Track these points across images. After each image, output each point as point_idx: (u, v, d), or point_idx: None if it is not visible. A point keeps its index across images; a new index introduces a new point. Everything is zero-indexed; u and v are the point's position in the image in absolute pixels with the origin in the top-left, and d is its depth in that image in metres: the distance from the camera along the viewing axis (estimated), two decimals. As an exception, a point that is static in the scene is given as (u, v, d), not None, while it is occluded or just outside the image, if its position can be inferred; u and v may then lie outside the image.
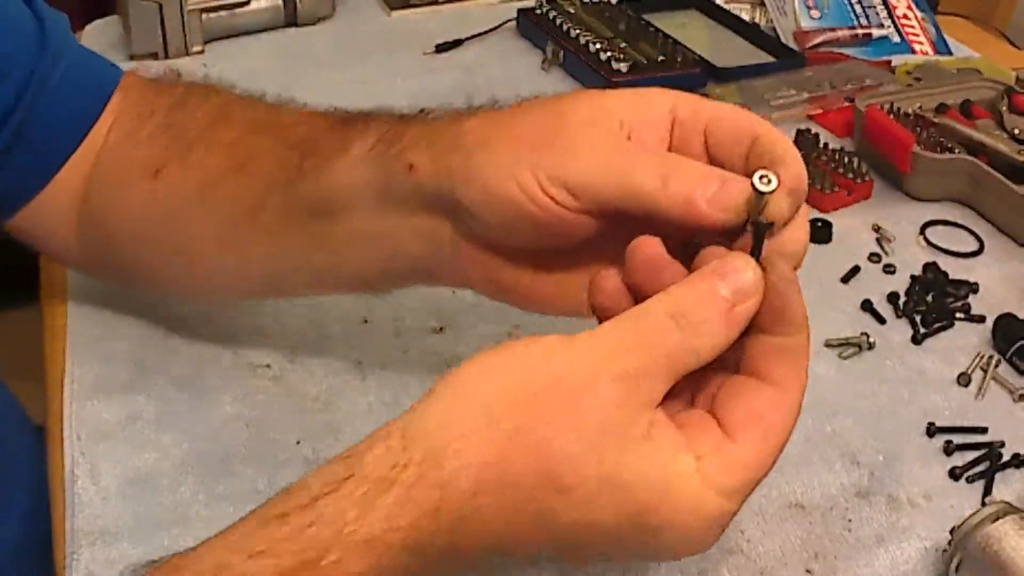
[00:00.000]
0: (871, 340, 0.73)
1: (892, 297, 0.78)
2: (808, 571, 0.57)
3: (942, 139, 0.90)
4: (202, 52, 1.08)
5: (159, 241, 0.63)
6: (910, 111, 0.93)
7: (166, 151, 0.61)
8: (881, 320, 0.76)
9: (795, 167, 0.45)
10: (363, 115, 0.56)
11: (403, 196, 0.52)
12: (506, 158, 0.48)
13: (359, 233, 0.55)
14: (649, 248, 0.44)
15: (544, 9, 1.13)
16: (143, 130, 0.63)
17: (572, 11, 1.12)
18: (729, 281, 0.42)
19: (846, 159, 0.90)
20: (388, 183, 0.52)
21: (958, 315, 0.76)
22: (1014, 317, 0.75)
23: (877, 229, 0.85)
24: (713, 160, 0.48)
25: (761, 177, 0.42)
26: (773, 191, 0.42)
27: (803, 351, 0.43)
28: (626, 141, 0.47)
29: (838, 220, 0.85)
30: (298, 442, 0.63)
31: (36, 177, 0.64)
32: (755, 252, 0.43)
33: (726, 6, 1.20)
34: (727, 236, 0.45)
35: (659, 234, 0.45)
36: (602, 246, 0.49)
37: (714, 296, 0.41)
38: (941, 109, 0.94)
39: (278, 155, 0.57)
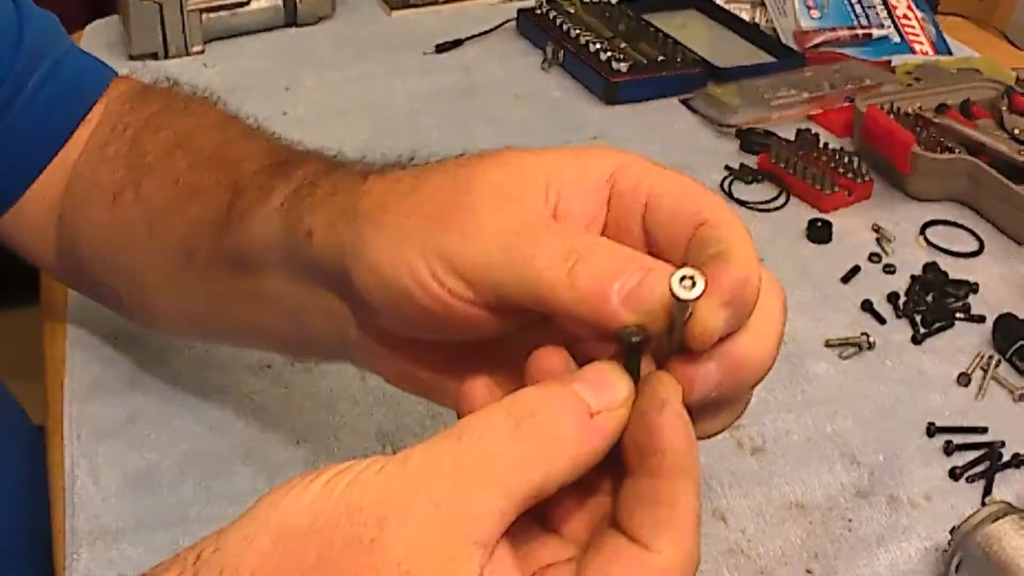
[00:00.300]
0: (871, 340, 0.73)
1: (892, 297, 0.78)
2: (808, 571, 0.57)
3: (942, 139, 0.90)
4: (202, 52, 1.08)
5: (117, 268, 0.60)
6: (910, 111, 0.93)
7: (125, 175, 0.58)
8: (881, 320, 0.76)
9: (740, 269, 0.35)
10: (299, 157, 0.51)
11: (304, 266, 0.46)
12: (397, 235, 0.40)
13: (272, 296, 0.49)
14: (550, 361, 0.37)
15: (544, 9, 1.13)
16: (111, 146, 0.60)
17: (572, 11, 1.12)
18: (591, 387, 0.34)
19: (846, 159, 0.90)
20: (292, 247, 0.46)
21: (958, 315, 0.76)
22: (1014, 317, 0.75)
23: (877, 229, 0.85)
24: (651, 245, 0.39)
25: (683, 279, 0.33)
26: (696, 299, 0.33)
27: (680, 503, 0.33)
28: (538, 217, 0.39)
29: (838, 220, 0.85)
30: (298, 442, 0.63)
31: (13, 184, 0.62)
32: (629, 370, 0.35)
33: (726, 6, 1.20)
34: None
35: (584, 337, 0.38)
36: (529, 341, 0.39)
37: (569, 398, 0.33)
38: (941, 109, 0.94)
39: (214, 195, 0.52)
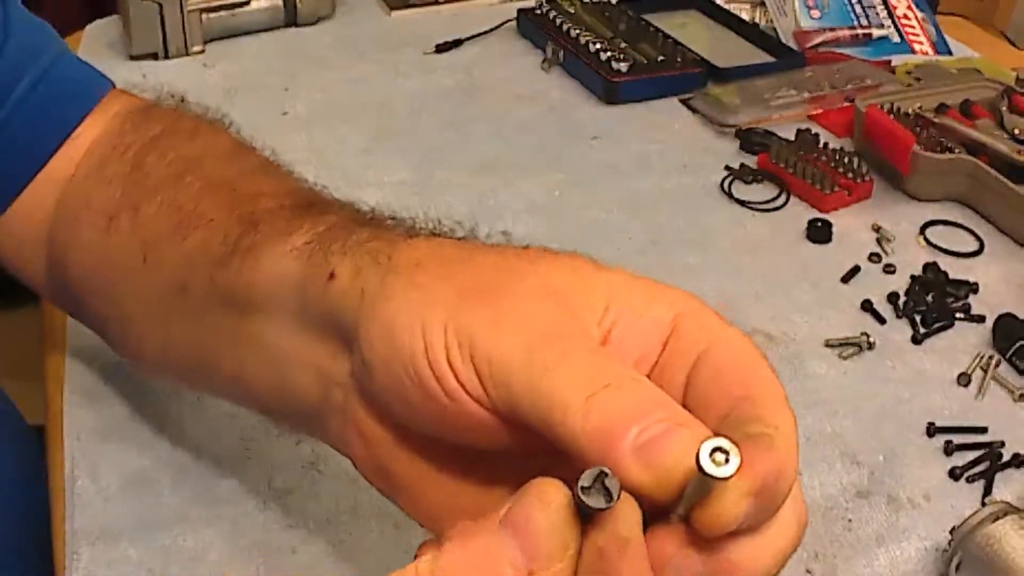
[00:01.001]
0: (871, 340, 0.73)
1: (892, 297, 0.78)
2: (808, 571, 0.57)
3: (942, 139, 0.90)
4: (202, 52, 1.08)
5: (105, 296, 0.56)
6: (910, 111, 0.93)
7: (123, 197, 0.54)
8: (881, 320, 0.76)
9: (780, 457, 0.31)
10: (328, 203, 0.48)
11: (316, 311, 0.41)
12: (424, 297, 0.36)
13: (261, 342, 0.45)
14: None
15: (544, 9, 1.13)
16: (110, 166, 0.56)
17: (572, 11, 1.12)
18: (522, 537, 0.29)
19: (846, 159, 0.90)
20: (306, 289, 0.42)
21: (958, 315, 0.76)
22: (1014, 317, 0.74)
23: (877, 229, 0.85)
24: (688, 403, 0.34)
25: (714, 451, 0.28)
26: (725, 479, 0.28)
27: None
28: (581, 332, 0.34)
29: (838, 220, 0.85)
30: (298, 442, 0.63)
31: None
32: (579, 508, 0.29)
33: (726, 6, 1.20)
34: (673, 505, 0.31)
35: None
36: (539, 470, 0.33)
37: (491, 565, 0.29)
38: (941, 109, 0.94)
39: (221, 226, 0.48)
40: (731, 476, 0.28)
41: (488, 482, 0.37)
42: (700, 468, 0.28)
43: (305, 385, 0.43)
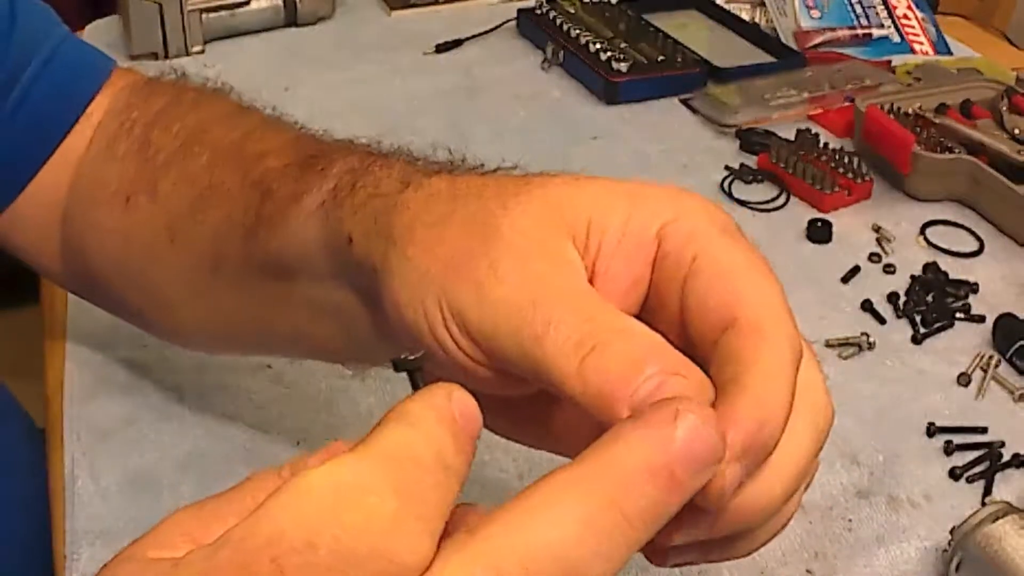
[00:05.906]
0: (871, 340, 0.73)
1: (892, 297, 0.78)
2: (808, 571, 0.57)
3: (942, 139, 0.90)
4: (202, 52, 1.08)
5: (132, 278, 0.56)
6: (910, 111, 0.93)
7: (137, 175, 0.54)
8: (881, 320, 0.76)
9: (756, 409, 0.30)
10: (330, 152, 0.47)
11: (347, 271, 0.42)
12: (418, 274, 0.36)
13: (314, 302, 0.45)
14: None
15: (544, 9, 1.13)
16: (121, 144, 0.56)
17: (572, 11, 1.12)
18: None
19: (846, 159, 0.90)
20: (333, 251, 0.42)
21: (958, 315, 0.76)
22: (1014, 317, 0.74)
23: (877, 229, 0.85)
24: (685, 328, 0.34)
25: None
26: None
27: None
28: (564, 282, 0.33)
29: (838, 220, 0.85)
30: (298, 443, 0.63)
31: (8, 182, 0.59)
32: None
33: (726, 6, 1.20)
34: None
35: None
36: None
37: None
38: (941, 109, 0.94)
39: (239, 195, 0.49)
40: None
41: (525, 412, 0.39)
42: None
43: (373, 332, 0.43)
